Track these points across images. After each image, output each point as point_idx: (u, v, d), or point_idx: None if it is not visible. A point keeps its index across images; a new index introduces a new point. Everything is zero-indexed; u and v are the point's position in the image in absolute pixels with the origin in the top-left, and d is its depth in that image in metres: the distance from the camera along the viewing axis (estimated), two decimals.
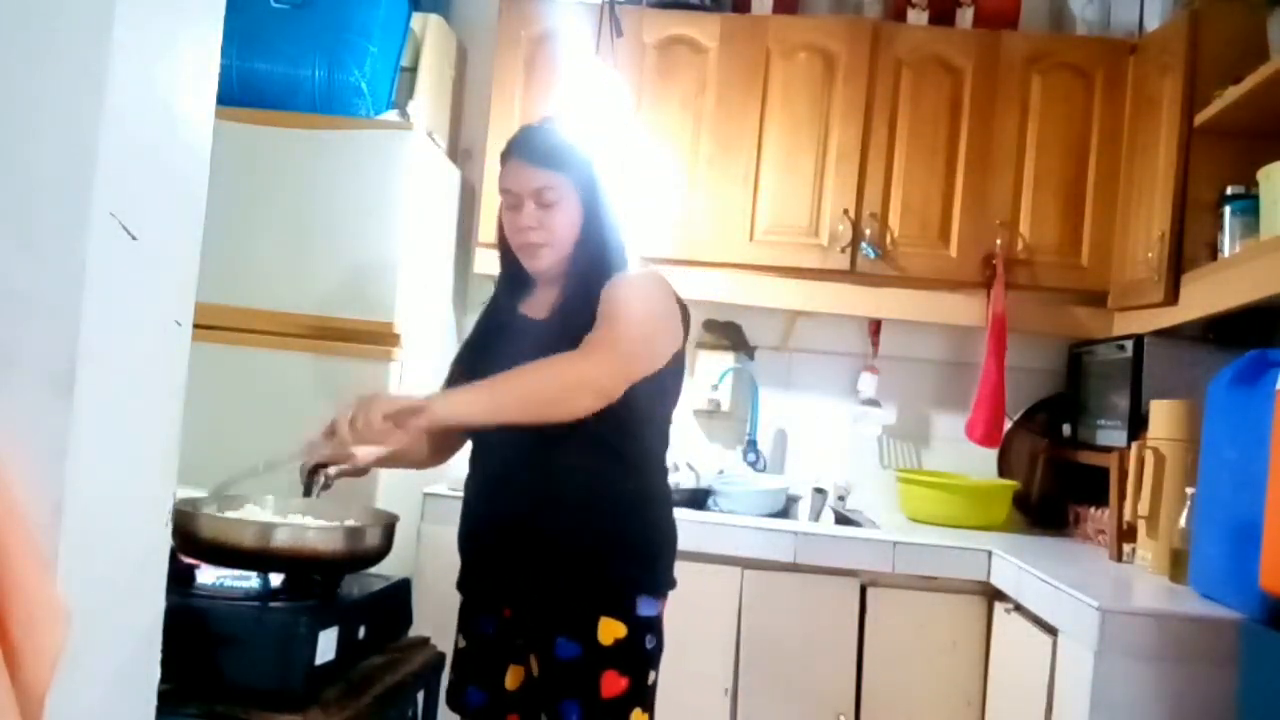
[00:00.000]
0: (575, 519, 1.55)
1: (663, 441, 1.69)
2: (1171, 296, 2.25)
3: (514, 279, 1.72)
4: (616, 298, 1.57)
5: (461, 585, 1.65)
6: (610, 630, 1.51)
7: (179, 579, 1.34)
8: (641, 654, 1.54)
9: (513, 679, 1.58)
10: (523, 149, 1.63)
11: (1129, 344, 2.42)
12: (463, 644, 1.65)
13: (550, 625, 1.52)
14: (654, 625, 1.57)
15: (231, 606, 1.37)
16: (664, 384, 1.61)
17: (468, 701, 1.62)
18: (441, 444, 1.76)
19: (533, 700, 1.56)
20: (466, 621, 1.65)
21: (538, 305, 1.67)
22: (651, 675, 1.57)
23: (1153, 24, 2.63)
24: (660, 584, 1.60)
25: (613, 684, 1.50)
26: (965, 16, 2.76)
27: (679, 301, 1.66)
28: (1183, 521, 1.91)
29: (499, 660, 1.59)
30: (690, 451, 2.90)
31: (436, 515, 2.36)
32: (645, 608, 1.55)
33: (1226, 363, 1.82)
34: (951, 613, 2.30)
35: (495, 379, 1.45)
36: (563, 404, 1.46)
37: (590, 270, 1.62)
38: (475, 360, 1.67)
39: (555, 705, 1.51)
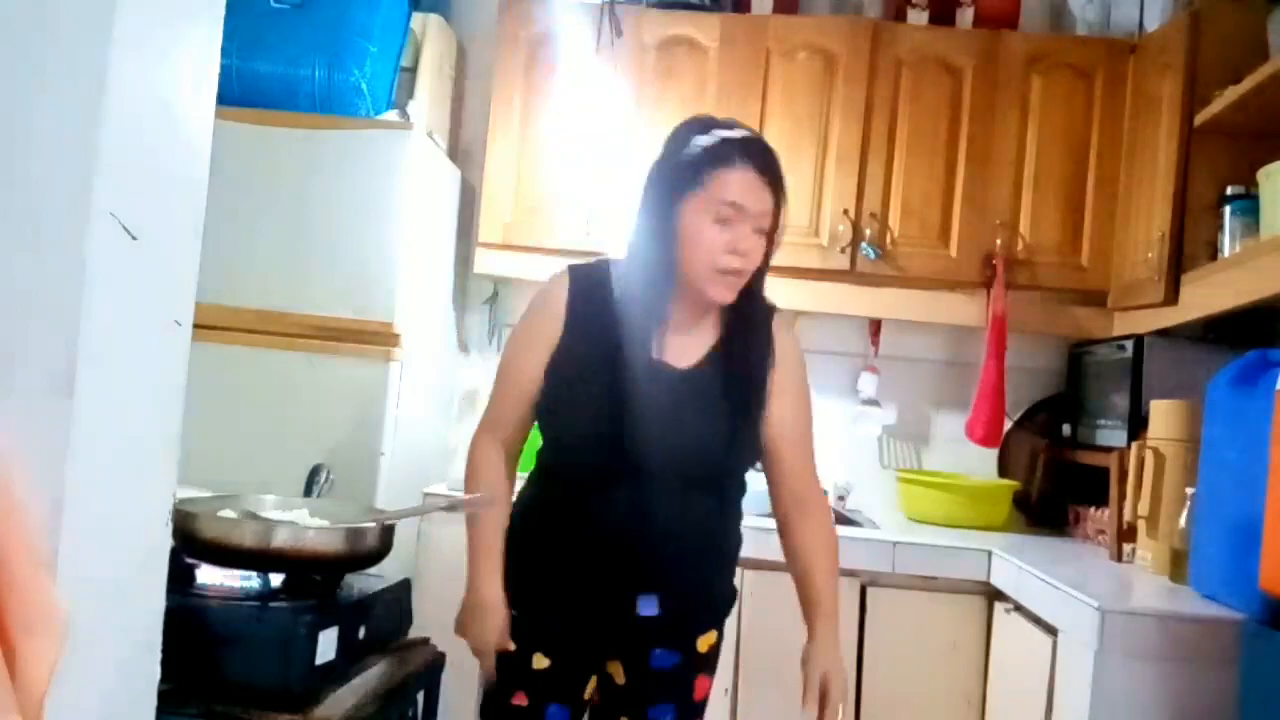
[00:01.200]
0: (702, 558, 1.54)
1: None
2: (1171, 296, 2.25)
3: (622, 303, 1.46)
4: (798, 395, 1.53)
5: (549, 605, 1.52)
6: (707, 639, 1.56)
7: (179, 579, 1.34)
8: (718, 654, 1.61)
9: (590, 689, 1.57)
10: (760, 161, 1.42)
11: (1129, 344, 2.43)
12: (545, 663, 1.50)
13: (650, 639, 1.51)
14: None
15: (231, 606, 1.37)
16: None
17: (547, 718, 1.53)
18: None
19: (616, 706, 1.55)
20: (548, 638, 1.51)
21: (671, 347, 1.47)
22: None
23: (1153, 24, 2.63)
24: None
25: (703, 687, 1.56)
26: (965, 16, 2.76)
27: None
28: (1183, 521, 1.91)
29: (584, 674, 1.55)
30: None
31: (436, 515, 2.36)
32: None
33: (1226, 363, 1.83)
34: (951, 613, 2.30)
35: (826, 580, 1.51)
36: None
37: (753, 315, 1.51)
38: (596, 404, 1.44)
39: (646, 709, 1.52)
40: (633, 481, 1.43)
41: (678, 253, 1.42)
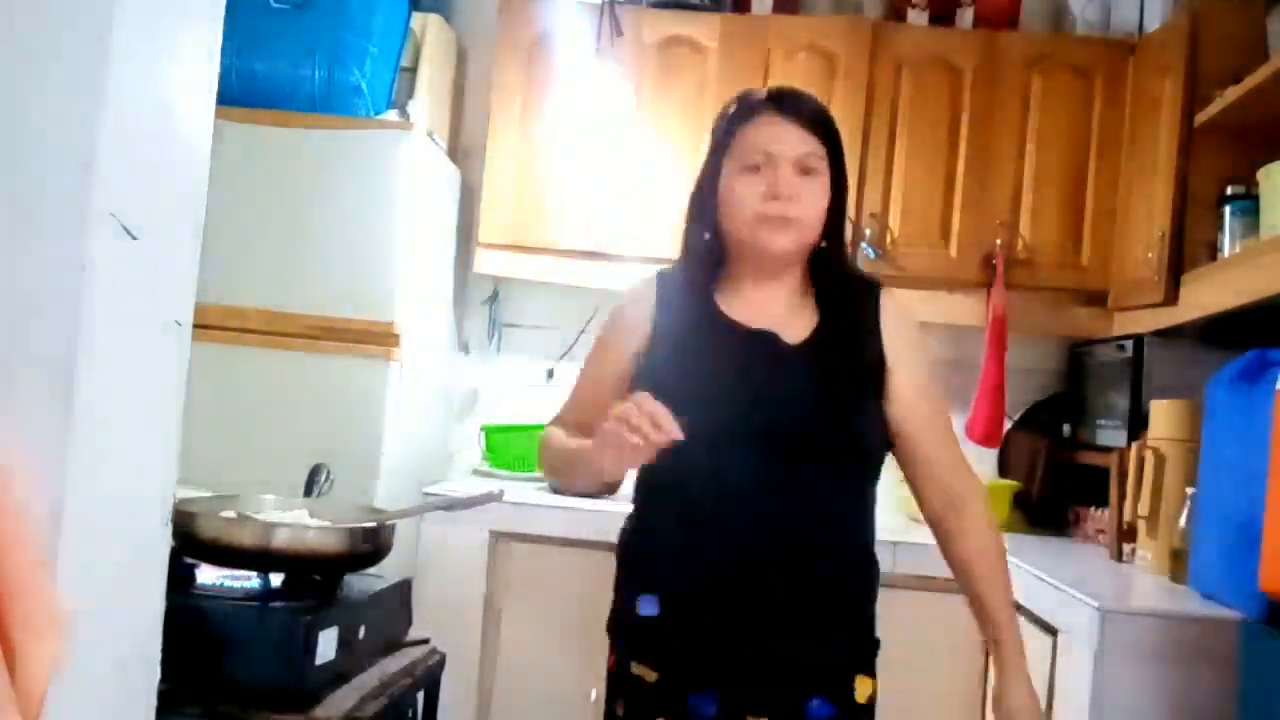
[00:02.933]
0: (841, 566, 1.39)
1: None
2: (1171, 296, 2.25)
3: (699, 274, 1.42)
4: (931, 396, 1.40)
5: (670, 655, 1.35)
6: (864, 688, 1.37)
7: (179, 579, 1.34)
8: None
9: None
10: (785, 104, 1.38)
11: (1129, 344, 2.42)
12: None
13: (805, 684, 1.33)
14: None
15: (231, 606, 1.37)
16: None
17: None
18: None
19: None
20: (671, 700, 1.33)
21: (754, 311, 1.39)
22: None
23: (1153, 24, 2.63)
24: None
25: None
26: (965, 16, 2.76)
27: None
28: (1183, 521, 1.91)
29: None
30: None
31: (436, 515, 2.36)
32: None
33: (1226, 363, 1.82)
34: (951, 613, 2.29)
35: (1002, 601, 1.37)
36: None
37: (848, 281, 1.43)
38: (680, 377, 1.34)
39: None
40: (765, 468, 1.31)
41: (719, 215, 1.39)
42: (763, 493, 1.31)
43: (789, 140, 1.36)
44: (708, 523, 1.33)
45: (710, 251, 1.42)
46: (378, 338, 2.38)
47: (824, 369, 1.36)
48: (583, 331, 2.85)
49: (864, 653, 1.40)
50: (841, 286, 1.43)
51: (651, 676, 1.35)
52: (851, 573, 1.40)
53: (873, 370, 1.38)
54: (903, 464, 1.44)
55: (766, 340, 1.37)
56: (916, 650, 2.29)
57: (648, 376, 1.38)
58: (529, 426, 2.63)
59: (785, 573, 1.32)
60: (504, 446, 2.78)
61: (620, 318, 1.49)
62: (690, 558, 1.34)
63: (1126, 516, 2.17)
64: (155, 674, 0.91)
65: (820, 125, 1.38)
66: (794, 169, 1.35)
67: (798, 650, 1.33)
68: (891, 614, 2.33)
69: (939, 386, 1.47)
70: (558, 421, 1.50)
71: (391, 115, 2.53)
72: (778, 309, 1.40)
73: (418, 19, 2.72)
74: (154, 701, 0.92)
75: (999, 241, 2.60)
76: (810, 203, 1.36)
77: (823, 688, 1.34)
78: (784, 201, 1.34)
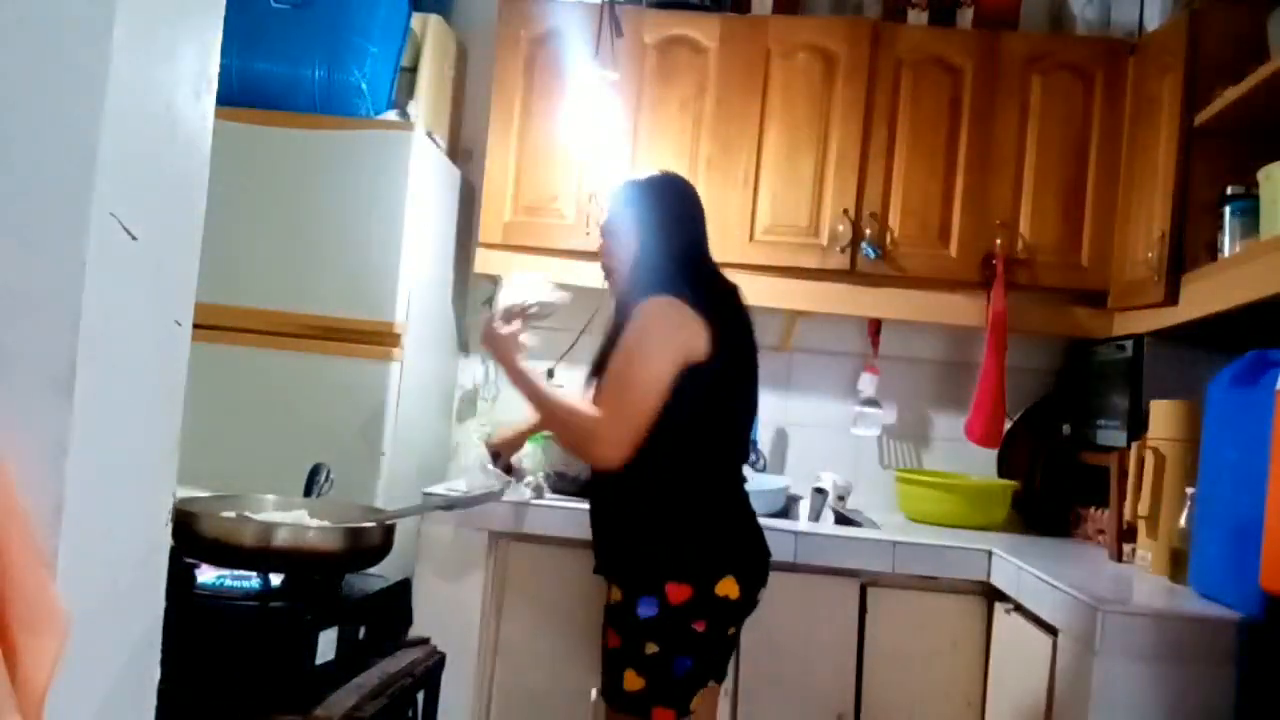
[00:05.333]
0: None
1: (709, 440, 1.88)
2: (1171, 296, 2.25)
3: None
4: (619, 350, 1.78)
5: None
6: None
7: (179, 579, 1.34)
8: None
9: None
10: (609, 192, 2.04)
11: (1129, 344, 2.42)
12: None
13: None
14: None
15: (231, 606, 1.37)
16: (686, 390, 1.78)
17: None
18: None
19: None
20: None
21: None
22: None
23: (1153, 24, 2.63)
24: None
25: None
26: (965, 16, 2.76)
27: (702, 312, 1.78)
28: (1183, 521, 1.91)
29: None
30: None
31: (436, 515, 2.36)
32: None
33: (1226, 363, 1.82)
34: (951, 613, 2.30)
35: (551, 395, 1.87)
36: (577, 453, 1.90)
37: (625, 298, 1.87)
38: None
39: None
40: None
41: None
42: None
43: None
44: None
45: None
46: (378, 337, 2.38)
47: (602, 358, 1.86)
48: (583, 331, 2.85)
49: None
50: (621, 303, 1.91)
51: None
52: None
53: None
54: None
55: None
56: (916, 650, 2.30)
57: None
58: None
59: None
60: None
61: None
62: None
63: (1126, 516, 2.17)
64: (155, 674, 0.91)
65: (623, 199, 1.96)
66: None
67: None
68: (891, 614, 2.35)
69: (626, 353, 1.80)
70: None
71: (391, 115, 2.53)
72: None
73: (418, 19, 2.72)
74: (154, 701, 0.92)
75: (999, 241, 2.60)
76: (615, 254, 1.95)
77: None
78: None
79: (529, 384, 1.86)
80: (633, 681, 1.73)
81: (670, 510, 1.80)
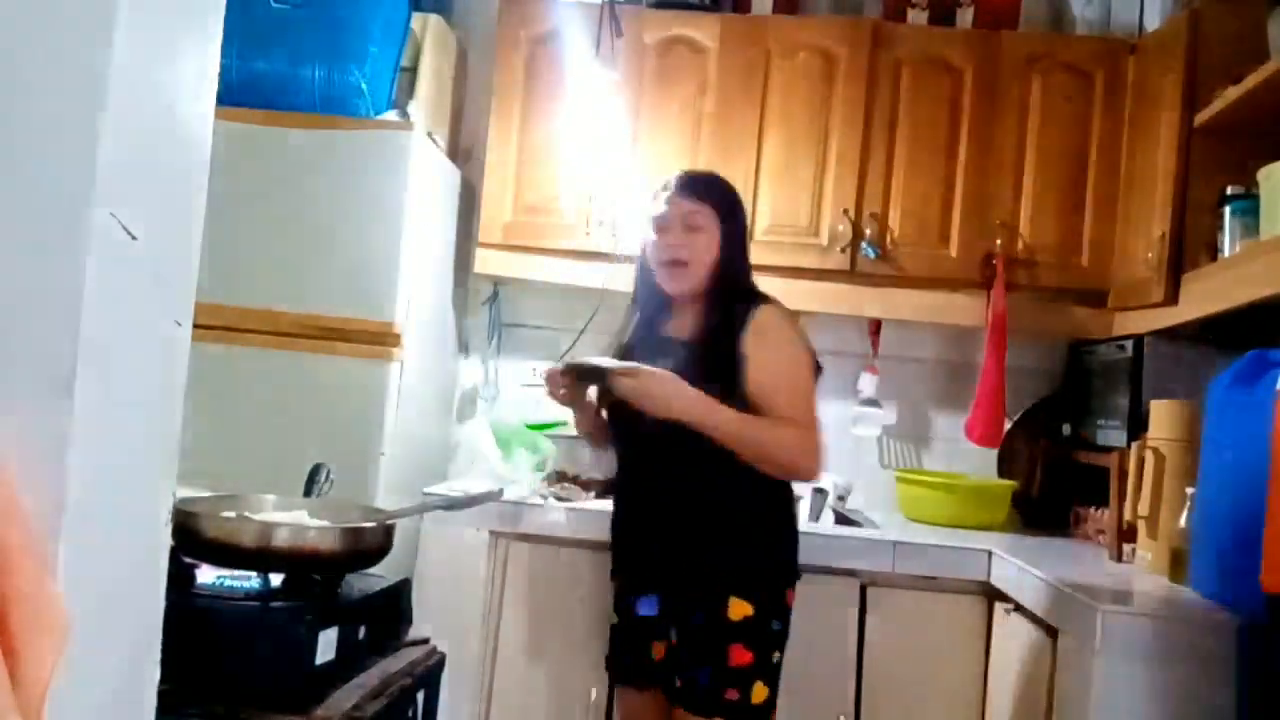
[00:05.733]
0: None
1: None
2: (1171, 296, 2.25)
3: (650, 302, 1.93)
4: (768, 360, 1.75)
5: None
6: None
7: (179, 579, 1.34)
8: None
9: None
10: (677, 182, 1.89)
11: (1129, 344, 2.43)
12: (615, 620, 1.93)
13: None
14: None
15: (231, 606, 1.37)
16: None
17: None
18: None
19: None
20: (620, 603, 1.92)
21: (679, 326, 1.88)
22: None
23: (1153, 24, 2.63)
24: None
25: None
26: (965, 16, 2.76)
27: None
28: (1183, 521, 1.91)
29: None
30: None
31: (436, 515, 2.36)
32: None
33: (1226, 363, 1.83)
34: (951, 613, 2.30)
35: (731, 414, 1.71)
36: (780, 470, 1.77)
37: (727, 295, 1.83)
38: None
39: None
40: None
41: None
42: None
43: (676, 204, 1.85)
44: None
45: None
46: (378, 338, 2.38)
47: (698, 354, 1.80)
48: (583, 331, 2.85)
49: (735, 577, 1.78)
50: (722, 297, 1.85)
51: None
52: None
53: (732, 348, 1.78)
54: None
55: (667, 340, 1.87)
56: (916, 650, 2.30)
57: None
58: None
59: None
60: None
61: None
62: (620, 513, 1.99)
63: (1126, 516, 2.17)
64: (155, 674, 0.91)
65: (699, 189, 1.87)
66: (681, 226, 1.84)
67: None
68: (892, 614, 2.35)
69: (789, 363, 1.80)
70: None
71: (391, 115, 2.53)
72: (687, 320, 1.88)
73: (418, 19, 2.72)
74: (154, 701, 0.92)
75: (999, 241, 2.60)
76: (692, 250, 1.83)
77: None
78: (675, 249, 1.84)
79: (708, 407, 1.71)
80: (760, 693, 1.74)
81: (780, 517, 1.87)
